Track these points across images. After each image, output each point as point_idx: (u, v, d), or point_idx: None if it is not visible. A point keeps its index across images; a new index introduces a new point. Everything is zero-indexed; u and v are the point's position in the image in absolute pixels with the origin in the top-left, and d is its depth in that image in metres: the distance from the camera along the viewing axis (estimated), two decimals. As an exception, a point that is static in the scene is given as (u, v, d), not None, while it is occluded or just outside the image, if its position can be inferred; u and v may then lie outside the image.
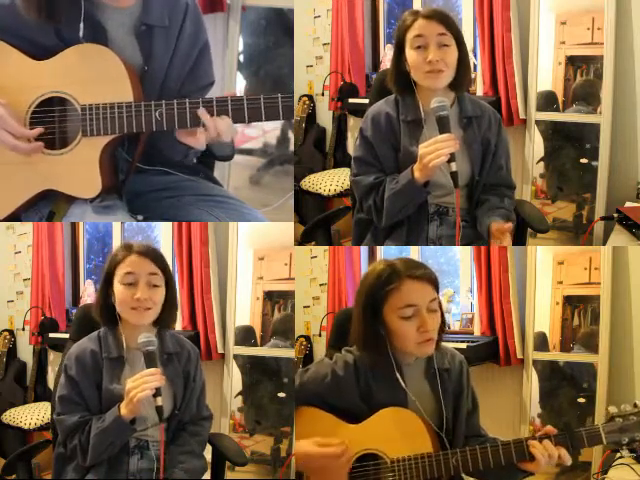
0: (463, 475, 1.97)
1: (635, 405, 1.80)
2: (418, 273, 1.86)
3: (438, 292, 1.91)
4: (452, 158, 2.08)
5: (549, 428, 1.83)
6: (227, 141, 2.15)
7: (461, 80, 2.20)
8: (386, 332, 1.89)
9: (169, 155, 2.33)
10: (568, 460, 1.80)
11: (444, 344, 2.00)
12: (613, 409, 1.81)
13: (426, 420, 1.91)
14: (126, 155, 2.24)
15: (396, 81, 2.23)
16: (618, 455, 2.28)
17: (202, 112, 2.08)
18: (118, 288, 2.03)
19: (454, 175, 2.09)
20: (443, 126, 2.10)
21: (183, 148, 2.21)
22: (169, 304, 2.08)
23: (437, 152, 2.07)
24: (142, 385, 1.91)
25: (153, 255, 2.05)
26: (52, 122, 2.15)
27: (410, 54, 2.16)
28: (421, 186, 2.15)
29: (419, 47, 2.14)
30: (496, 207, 2.25)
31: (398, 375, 1.91)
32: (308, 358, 3.67)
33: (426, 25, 2.14)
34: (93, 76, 2.11)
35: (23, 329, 3.95)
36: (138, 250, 2.04)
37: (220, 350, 3.57)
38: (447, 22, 2.14)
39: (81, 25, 2.10)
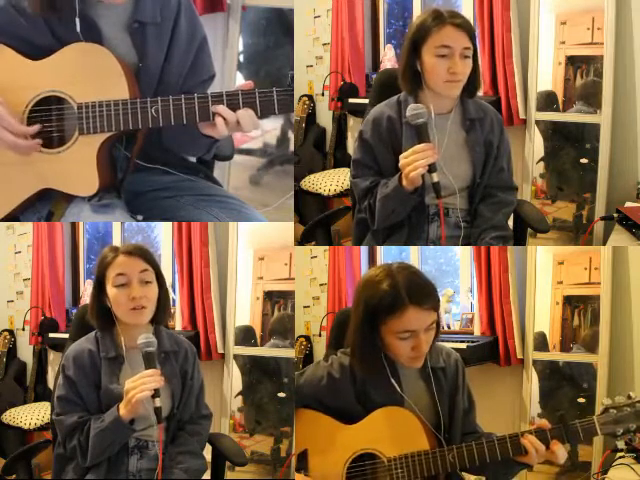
0: (462, 473, 1.98)
1: (629, 397, 1.81)
2: (426, 306, 1.82)
3: (438, 311, 1.88)
4: (432, 168, 2.06)
5: (543, 422, 1.83)
6: (249, 132, 2.13)
7: (472, 87, 2.19)
8: (381, 343, 1.89)
9: (189, 151, 2.34)
10: (561, 457, 1.80)
11: (439, 343, 2.00)
12: (607, 401, 1.81)
13: (422, 419, 1.91)
14: (125, 152, 2.24)
15: (408, 80, 2.20)
16: (618, 455, 2.28)
17: (221, 108, 2.07)
18: (112, 291, 2.03)
19: (436, 186, 2.08)
20: (421, 135, 2.08)
21: (207, 142, 2.20)
22: (162, 300, 2.08)
23: (414, 164, 2.05)
24: (141, 386, 1.91)
25: (140, 253, 2.06)
26: (49, 121, 2.15)
27: (431, 61, 2.12)
28: (409, 193, 2.14)
29: (443, 56, 2.10)
30: (490, 227, 2.24)
31: (393, 381, 1.92)
32: (308, 358, 3.67)
33: (455, 35, 2.10)
34: (89, 74, 2.11)
35: (23, 329, 3.95)
36: (125, 250, 2.05)
37: (220, 350, 3.57)
38: (472, 34, 2.12)
39: (77, 22, 2.10)
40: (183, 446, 2.09)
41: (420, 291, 1.83)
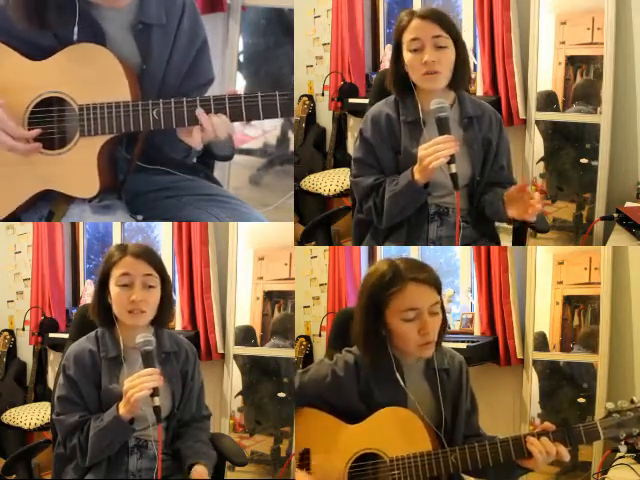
0: (463, 475, 1.97)
1: (632, 401, 1.81)
2: (422, 277, 1.86)
3: (441, 294, 1.90)
4: (452, 160, 2.07)
5: (547, 424, 1.83)
6: (223, 138, 2.14)
7: (460, 80, 2.20)
8: (387, 333, 1.90)
9: (171, 154, 2.33)
10: (566, 457, 1.80)
11: (443, 344, 2.00)
12: (610, 405, 1.81)
13: (425, 420, 1.91)
14: (126, 154, 2.24)
15: (395, 82, 2.23)
16: (618, 455, 2.28)
17: (199, 112, 2.08)
18: (114, 290, 2.03)
19: (454, 177, 2.09)
20: (443, 127, 2.09)
21: (185, 147, 2.20)
22: (165, 304, 2.08)
23: (436, 154, 2.06)
24: (140, 385, 1.91)
25: (148, 256, 2.06)
26: (50, 122, 2.15)
27: (407, 56, 2.16)
28: (421, 187, 2.15)
29: (415, 50, 2.13)
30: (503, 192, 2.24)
31: (398, 376, 1.92)
32: (308, 358, 3.67)
33: (422, 26, 2.13)
34: (90, 76, 2.11)
35: (23, 329, 3.95)
36: (133, 251, 2.05)
37: (220, 350, 3.57)
38: (443, 22, 2.13)
39: (75, 29, 2.09)
40: (195, 437, 2.11)
41: (417, 267, 1.89)
